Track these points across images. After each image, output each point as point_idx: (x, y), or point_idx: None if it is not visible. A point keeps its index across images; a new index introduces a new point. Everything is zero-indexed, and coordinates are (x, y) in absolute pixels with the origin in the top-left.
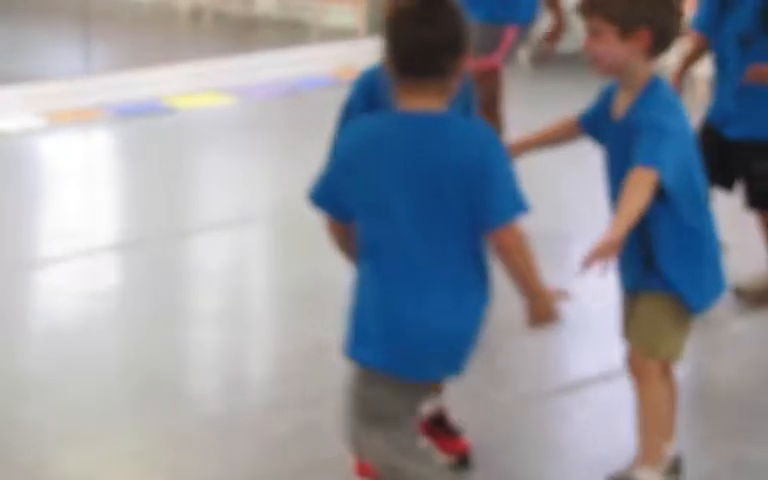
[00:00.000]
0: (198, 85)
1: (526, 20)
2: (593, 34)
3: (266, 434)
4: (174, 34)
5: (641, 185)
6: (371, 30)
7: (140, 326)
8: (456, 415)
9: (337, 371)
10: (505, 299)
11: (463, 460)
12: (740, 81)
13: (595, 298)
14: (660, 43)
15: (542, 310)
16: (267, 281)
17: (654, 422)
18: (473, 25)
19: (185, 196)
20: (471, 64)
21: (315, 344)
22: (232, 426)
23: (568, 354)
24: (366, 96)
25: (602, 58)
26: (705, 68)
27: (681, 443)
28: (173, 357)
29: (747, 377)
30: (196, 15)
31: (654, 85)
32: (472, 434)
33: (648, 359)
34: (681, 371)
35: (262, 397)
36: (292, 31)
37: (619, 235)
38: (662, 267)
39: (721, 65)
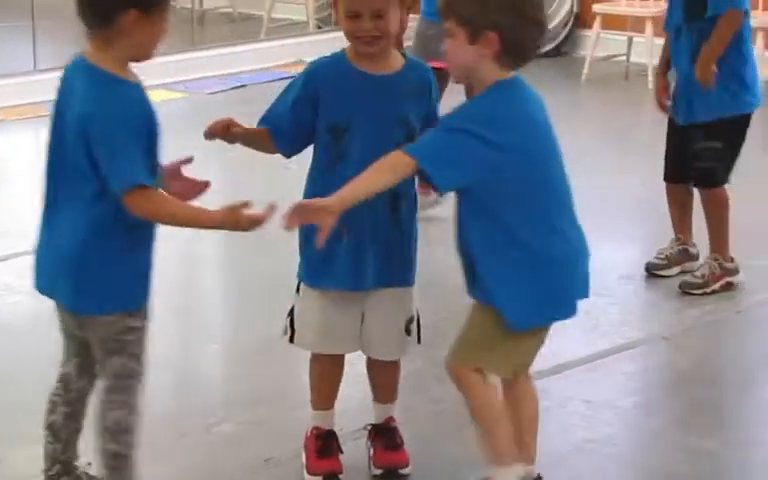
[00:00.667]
0: (147, 81)
1: None
2: (447, 36)
3: (217, 432)
4: None
5: (383, 168)
6: (321, 24)
7: None
8: (403, 406)
9: (288, 367)
10: (454, 289)
11: (390, 472)
12: (680, 70)
13: None
14: (511, 50)
15: (235, 226)
16: (218, 277)
17: (488, 424)
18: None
19: None
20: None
21: (266, 340)
22: (183, 424)
23: None
24: (308, 78)
25: (453, 59)
26: None
27: (633, 435)
28: None
29: (697, 370)
30: None
31: (487, 91)
32: (420, 426)
33: (460, 366)
34: (631, 365)
35: (213, 394)
36: (241, 26)
37: (336, 205)
38: (482, 278)
39: (672, 59)
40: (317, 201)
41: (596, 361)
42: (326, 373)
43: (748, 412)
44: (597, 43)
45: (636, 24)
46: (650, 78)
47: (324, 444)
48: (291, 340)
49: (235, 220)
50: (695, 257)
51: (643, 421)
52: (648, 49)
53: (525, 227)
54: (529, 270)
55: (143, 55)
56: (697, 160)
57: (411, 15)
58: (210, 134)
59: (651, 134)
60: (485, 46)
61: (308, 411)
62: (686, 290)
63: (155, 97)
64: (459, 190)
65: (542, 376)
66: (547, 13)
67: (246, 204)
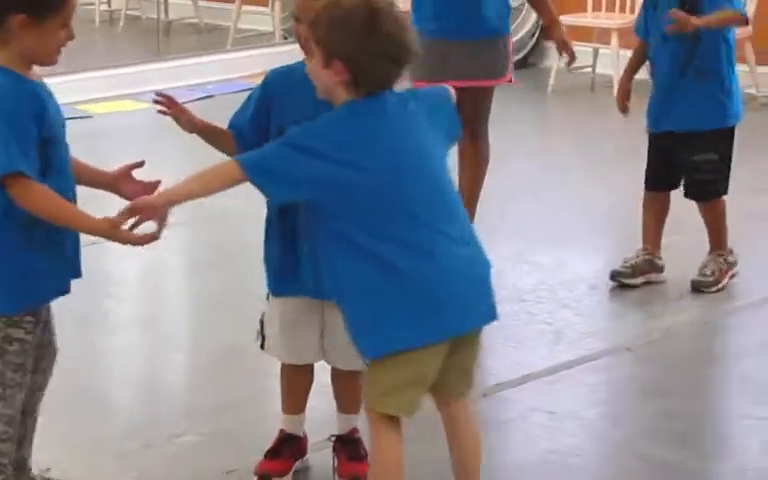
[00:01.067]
0: (113, 91)
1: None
2: (311, 54)
3: (180, 442)
4: (89, 40)
5: (213, 174)
6: (287, 34)
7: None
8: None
9: (250, 377)
10: None
11: None
12: (666, 74)
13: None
14: (362, 82)
15: (112, 239)
16: (181, 287)
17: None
18: (475, 42)
19: (101, 203)
20: (486, 82)
21: (230, 350)
22: (148, 434)
23: (485, 358)
24: (265, 87)
25: (313, 77)
26: None
27: (597, 446)
28: (89, 364)
29: (662, 381)
30: (111, 21)
31: (336, 110)
32: None
33: (368, 410)
34: (595, 376)
35: (176, 404)
36: (207, 36)
37: (161, 203)
38: (338, 300)
39: (652, 64)
40: (142, 200)
41: (560, 372)
42: (293, 381)
43: (713, 423)
44: None
45: (602, 36)
46: (615, 89)
47: (277, 446)
48: (262, 347)
49: (112, 235)
50: (660, 269)
51: (607, 432)
52: (614, 61)
53: (374, 245)
54: (388, 286)
55: (41, 59)
56: (696, 173)
57: None
58: (158, 97)
59: (616, 145)
60: (335, 74)
61: (271, 422)
62: (701, 289)
63: (121, 107)
64: (302, 205)
65: (505, 387)
66: (513, 24)
67: (122, 221)
